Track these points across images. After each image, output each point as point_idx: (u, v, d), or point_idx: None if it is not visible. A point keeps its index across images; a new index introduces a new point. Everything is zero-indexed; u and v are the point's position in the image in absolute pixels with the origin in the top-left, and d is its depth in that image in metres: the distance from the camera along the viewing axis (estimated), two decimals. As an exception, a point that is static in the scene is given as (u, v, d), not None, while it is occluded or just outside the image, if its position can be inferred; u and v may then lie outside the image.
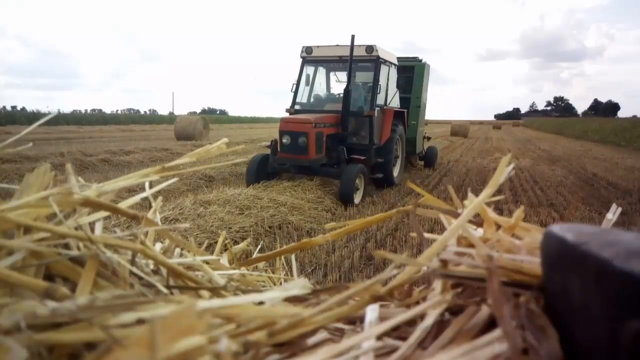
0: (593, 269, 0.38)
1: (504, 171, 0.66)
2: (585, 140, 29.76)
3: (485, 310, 0.46)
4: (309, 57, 9.30)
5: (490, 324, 0.45)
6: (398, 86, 10.53)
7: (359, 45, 8.48)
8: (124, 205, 0.65)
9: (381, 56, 8.77)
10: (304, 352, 0.45)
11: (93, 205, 0.61)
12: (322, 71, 9.89)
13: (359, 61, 8.78)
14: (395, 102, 9.81)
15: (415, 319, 0.49)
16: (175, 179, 0.77)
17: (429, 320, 0.47)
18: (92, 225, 0.62)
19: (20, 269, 0.49)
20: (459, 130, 31.43)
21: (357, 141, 8.64)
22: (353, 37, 8.03)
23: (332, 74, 10.06)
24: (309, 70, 9.57)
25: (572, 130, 38.21)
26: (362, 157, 8.15)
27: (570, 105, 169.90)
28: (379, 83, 8.68)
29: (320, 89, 10.01)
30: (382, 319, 0.49)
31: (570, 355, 0.40)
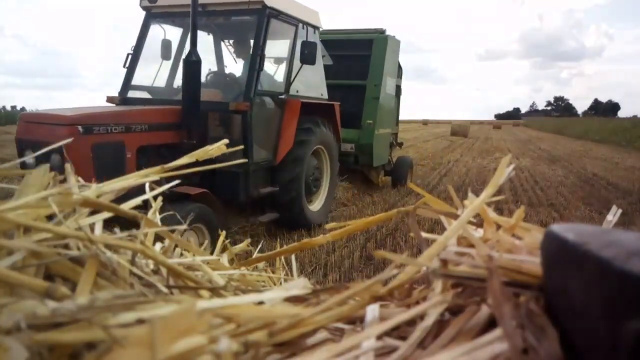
0: (593, 269, 0.38)
1: (504, 171, 0.66)
2: (586, 140, 29.77)
3: (485, 310, 0.46)
4: (157, 10, 5.48)
5: (490, 324, 0.45)
6: (345, 69, 7.91)
7: None
8: (125, 206, 0.65)
9: (272, 5, 5.07)
10: (304, 352, 0.45)
11: (93, 205, 0.61)
12: (179, 32, 5.93)
13: (232, 13, 5.35)
14: (316, 89, 6.27)
15: (415, 319, 0.49)
16: (178, 181, 0.77)
17: (429, 320, 0.47)
18: (92, 225, 0.62)
19: (20, 269, 0.49)
20: (459, 130, 31.42)
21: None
22: None
23: (223, 42, 6.22)
24: (158, 29, 5.57)
25: (572, 130, 38.23)
26: (203, 190, 4.13)
27: (571, 105, 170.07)
28: (263, 53, 4.98)
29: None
30: (382, 319, 0.49)
31: (570, 355, 0.40)
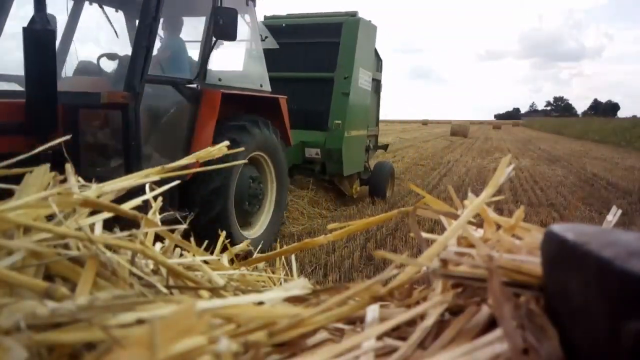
0: (593, 269, 0.38)
1: (504, 171, 0.66)
2: (585, 140, 29.78)
3: (485, 310, 0.46)
4: None
5: (490, 324, 0.45)
6: (311, 60, 6.80)
7: None
8: (125, 206, 0.65)
9: None
10: (304, 352, 0.45)
11: (93, 206, 0.61)
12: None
13: None
14: (253, 79, 5.02)
15: (416, 319, 0.49)
16: (178, 181, 0.77)
17: (429, 321, 0.47)
18: (92, 225, 0.62)
19: (20, 269, 0.49)
20: (459, 130, 31.43)
21: (96, 165, 3.64)
22: None
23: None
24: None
25: (572, 130, 38.23)
26: None
27: (570, 105, 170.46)
28: (154, 25, 3.67)
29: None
30: (382, 319, 0.49)
31: (570, 355, 0.40)
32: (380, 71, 8.28)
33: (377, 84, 8.13)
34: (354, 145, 6.94)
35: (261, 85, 5.07)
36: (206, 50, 4.17)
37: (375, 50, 7.85)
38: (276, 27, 6.69)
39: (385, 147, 9.26)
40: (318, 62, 6.84)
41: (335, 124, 6.53)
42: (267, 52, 5.43)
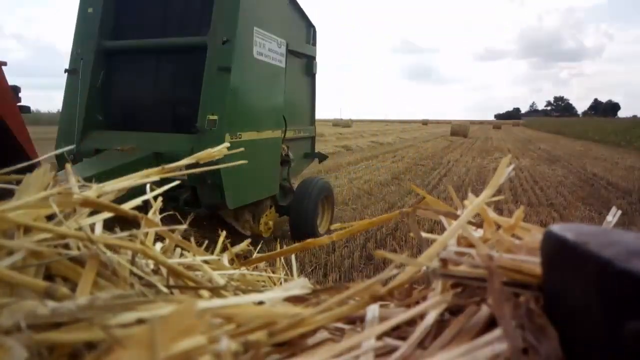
0: (593, 269, 0.38)
1: (504, 171, 0.66)
2: (585, 140, 29.77)
3: (485, 310, 0.46)
4: None
5: (490, 324, 0.45)
6: (167, 19, 4.39)
7: None
8: (126, 206, 0.65)
9: None
10: (304, 352, 0.45)
11: (93, 206, 0.61)
12: None
13: None
14: None
15: (415, 319, 0.49)
16: (177, 182, 0.77)
17: (429, 320, 0.47)
18: (92, 225, 0.62)
19: (20, 269, 0.49)
20: (459, 130, 31.41)
21: None
22: None
23: None
24: None
25: (572, 130, 38.23)
26: None
27: (571, 105, 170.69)
28: None
29: None
30: (382, 318, 0.49)
31: (570, 355, 0.40)
32: (313, 44, 5.62)
33: (307, 63, 5.58)
34: (252, 156, 4.07)
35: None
36: None
37: (297, 7, 5.21)
38: None
39: (322, 157, 6.22)
40: (183, 20, 4.31)
41: (209, 121, 3.88)
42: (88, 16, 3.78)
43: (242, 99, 4.17)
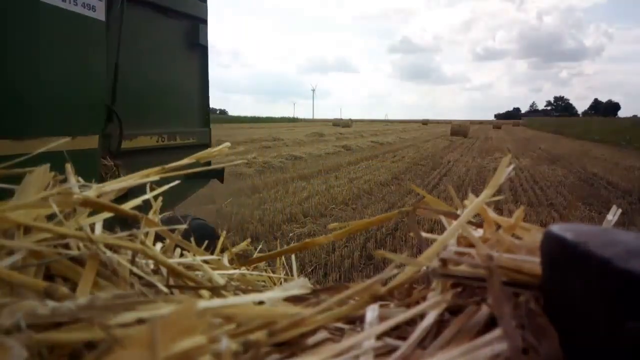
0: (593, 269, 0.38)
1: (504, 171, 0.66)
2: (586, 140, 29.77)
3: (485, 310, 0.46)
4: None
5: (490, 324, 0.45)
6: None
7: None
8: (126, 206, 0.65)
9: None
10: (304, 351, 0.45)
11: (93, 205, 0.61)
12: None
13: None
14: None
15: (415, 319, 0.49)
16: (178, 181, 0.77)
17: (428, 320, 0.47)
18: (92, 225, 0.62)
19: (20, 269, 0.49)
20: (459, 130, 31.41)
21: None
22: None
23: None
24: None
25: (572, 130, 38.22)
26: None
27: (571, 105, 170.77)
28: None
29: None
30: (382, 318, 0.49)
31: (570, 355, 0.40)
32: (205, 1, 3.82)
33: (186, 26, 3.64)
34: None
35: None
36: None
37: None
38: None
39: (216, 173, 4.04)
40: None
41: None
42: None
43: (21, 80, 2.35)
